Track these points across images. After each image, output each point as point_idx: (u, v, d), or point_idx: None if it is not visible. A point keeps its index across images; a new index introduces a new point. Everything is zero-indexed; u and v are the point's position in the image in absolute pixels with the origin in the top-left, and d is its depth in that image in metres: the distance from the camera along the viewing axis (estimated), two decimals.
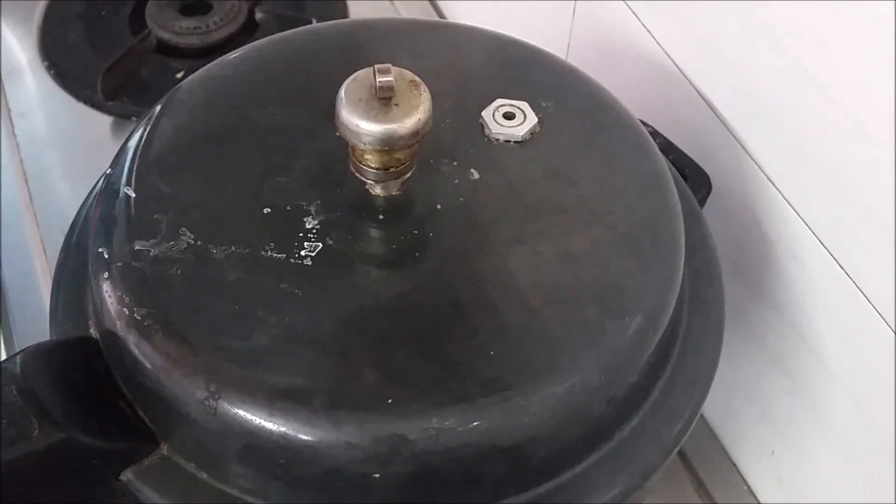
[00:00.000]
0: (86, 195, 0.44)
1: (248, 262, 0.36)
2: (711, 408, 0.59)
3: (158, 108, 0.42)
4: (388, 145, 0.34)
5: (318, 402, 0.32)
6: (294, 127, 0.40)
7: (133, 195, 0.38)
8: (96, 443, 0.34)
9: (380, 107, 0.33)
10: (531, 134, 0.40)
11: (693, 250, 0.41)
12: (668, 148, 0.47)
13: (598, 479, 0.36)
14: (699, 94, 0.49)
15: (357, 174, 0.36)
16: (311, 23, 0.72)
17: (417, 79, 0.34)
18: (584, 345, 0.35)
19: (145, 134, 0.40)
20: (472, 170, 0.39)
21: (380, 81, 0.33)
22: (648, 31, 0.52)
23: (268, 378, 0.33)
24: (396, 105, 0.33)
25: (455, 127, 0.40)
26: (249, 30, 0.77)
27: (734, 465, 0.59)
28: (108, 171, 0.40)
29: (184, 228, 0.36)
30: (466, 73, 0.43)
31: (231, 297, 0.35)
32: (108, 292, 0.35)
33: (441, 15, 0.82)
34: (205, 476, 0.35)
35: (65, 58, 0.75)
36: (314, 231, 0.37)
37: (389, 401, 0.32)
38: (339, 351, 0.34)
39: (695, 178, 0.46)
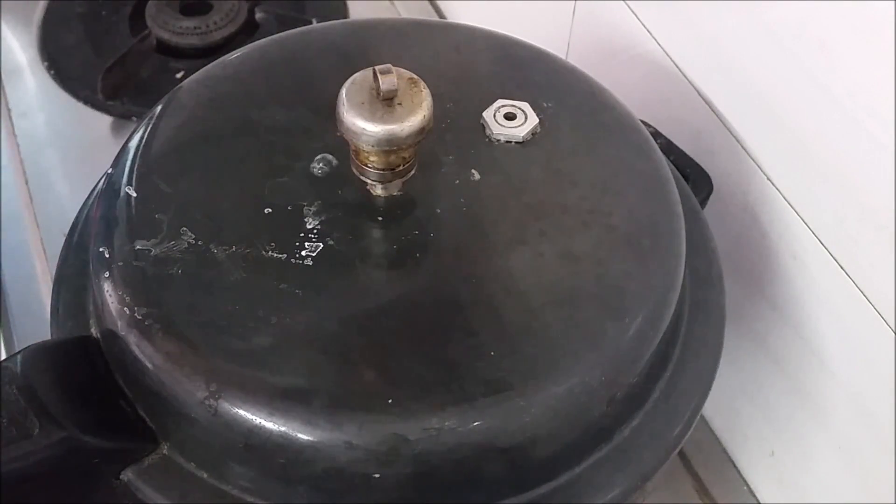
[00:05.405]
0: (86, 195, 0.44)
1: (248, 262, 0.36)
2: (711, 408, 0.59)
3: (159, 108, 0.42)
4: (394, 145, 0.34)
5: (318, 402, 0.32)
6: (294, 127, 0.40)
7: (134, 195, 0.38)
8: (97, 442, 0.34)
9: (383, 108, 0.33)
10: (532, 134, 0.40)
11: (694, 251, 0.41)
12: (669, 148, 0.47)
13: (598, 480, 0.36)
14: (699, 94, 0.49)
15: (360, 176, 0.36)
16: (311, 23, 0.72)
17: (416, 77, 0.35)
18: (584, 345, 0.35)
19: (146, 134, 0.40)
20: (473, 170, 0.39)
21: (383, 83, 0.33)
22: (648, 31, 0.52)
23: (268, 378, 0.33)
24: (399, 104, 0.34)
25: (456, 127, 0.40)
26: (249, 30, 0.77)
27: (734, 465, 0.59)
28: (109, 171, 0.40)
29: (185, 228, 0.36)
30: (467, 73, 0.43)
31: (232, 297, 0.35)
32: (109, 292, 0.36)
33: (441, 15, 0.82)
34: (205, 476, 0.35)
35: (65, 58, 0.75)
36: (315, 231, 0.37)
37: (389, 401, 0.32)
38: (340, 351, 0.34)
39: (696, 179, 0.46)
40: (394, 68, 0.34)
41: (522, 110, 0.41)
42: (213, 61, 0.44)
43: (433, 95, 0.34)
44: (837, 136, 0.41)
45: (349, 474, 0.33)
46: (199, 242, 0.36)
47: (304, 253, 0.36)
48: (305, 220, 0.37)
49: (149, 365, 0.34)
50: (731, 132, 0.48)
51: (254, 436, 0.33)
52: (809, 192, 0.44)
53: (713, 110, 0.49)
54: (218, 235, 0.36)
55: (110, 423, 0.35)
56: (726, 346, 0.41)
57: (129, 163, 0.39)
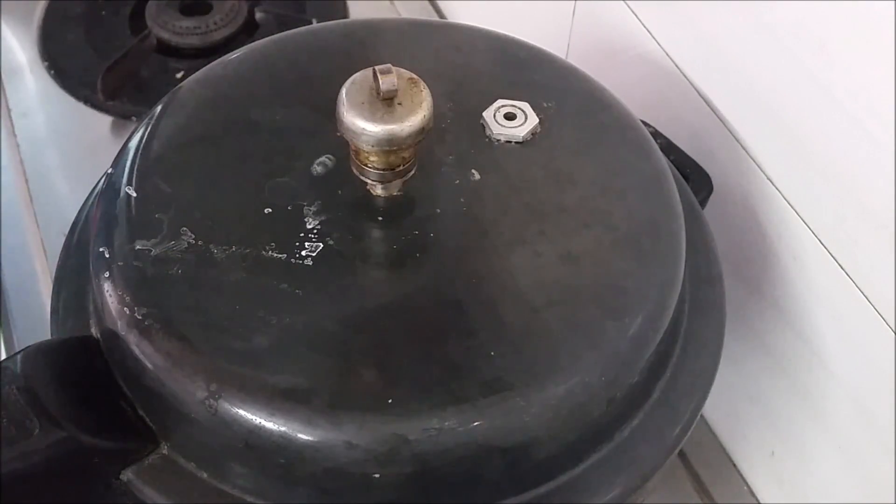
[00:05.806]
0: (86, 195, 0.44)
1: (248, 262, 0.36)
2: (711, 408, 0.59)
3: (159, 108, 0.42)
4: (394, 145, 0.34)
5: (318, 402, 0.32)
6: (294, 127, 0.40)
7: (134, 195, 0.38)
8: (97, 442, 0.34)
9: (383, 108, 0.33)
10: (532, 134, 0.40)
11: (694, 250, 0.41)
12: (669, 148, 0.47)
13: (598, 480, 0.36)
14: (699, 94, 0.49)
15: (360, 176, 0.36)
16: (311, 23, 0.72)
17: (416, 77, 0.35)
18: (584, 345, 0.35)
19: (146, 134, 0.40)
20: (473, 170, 0.39)
21: (383, 83, 0.33)
22: (648, 31, 0.52)
23: (268, 378, 0.33)
24: (399, 104, 0.34)
25: (456, 127, 0.40)
26: (249, 30, 0.77)
27: (734, 465, 0.59)
28: (109, 171, 0.40)
29: (185, 228, 0.36)
30: (467, 73, 0.43)
31: (232, 297, 0.35)
32: (109, 292, 0.36)
33: (441, 15, 0.82)
34: (205, 476, 0.35)
35: (65, 58, 0.75)
36: (315, 231, 0.37)
37: (389, 401, 0.32)
38: (340, 351, 0.34)
39: (696, 179, 0.46)
40: (394, 68, 0.34)
41: (522, 110, 0.41)
42: (213, 61, 0.44)
43: (433, 95, 0.34)
44: (837, 136, 0.41)
45: (349, 474, 0.33)
46: (199, 242, 0.36)
47: (304, 253, 0.36)
48: (305, 220, 0.37)
49: (149, 365, 0.34)
50: (731, 132, 0.48)
51: (254, 436, 0.33)
52: (809, 192, 0.44)
53: (713, 110, 0.49)
54: (218, 235, 0.36)
55: (110, 423, 0.35)
56: (726, 346, 0.41)
57: (129, 163, 0.39)
